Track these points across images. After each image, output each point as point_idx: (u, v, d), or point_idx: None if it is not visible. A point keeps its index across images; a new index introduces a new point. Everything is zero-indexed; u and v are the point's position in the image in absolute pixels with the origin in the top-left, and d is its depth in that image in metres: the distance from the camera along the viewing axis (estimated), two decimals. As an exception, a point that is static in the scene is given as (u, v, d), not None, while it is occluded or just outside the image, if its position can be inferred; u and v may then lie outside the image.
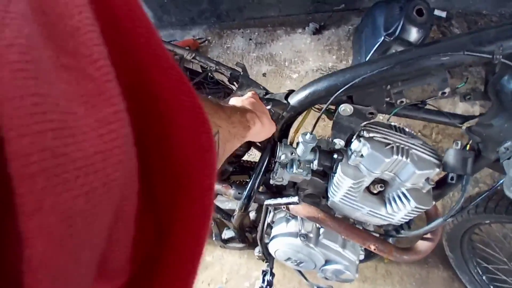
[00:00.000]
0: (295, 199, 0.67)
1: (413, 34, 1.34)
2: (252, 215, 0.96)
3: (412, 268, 1.30)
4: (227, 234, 1.00)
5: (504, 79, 0.52)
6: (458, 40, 0.50)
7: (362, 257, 0.84)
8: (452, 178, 0.62)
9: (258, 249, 0.93)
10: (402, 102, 0.59)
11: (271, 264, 0.98)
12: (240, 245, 0.99)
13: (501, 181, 0.59)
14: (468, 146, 0.62)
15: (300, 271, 0.94)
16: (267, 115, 0.57)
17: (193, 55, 0.83)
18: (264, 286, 0.93)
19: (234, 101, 0.56)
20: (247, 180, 0.87)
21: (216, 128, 0.31)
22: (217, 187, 0.89)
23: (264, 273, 0.97)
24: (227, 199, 0.99)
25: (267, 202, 0.74)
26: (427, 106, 0.64)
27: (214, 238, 1.00)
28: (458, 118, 0.60)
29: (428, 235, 0.75)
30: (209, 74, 0.83)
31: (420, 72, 0.53)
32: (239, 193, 0.85)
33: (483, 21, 1.69)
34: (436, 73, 0.53)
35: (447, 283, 1.27)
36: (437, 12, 1.87)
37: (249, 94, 0.59)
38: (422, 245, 0.74)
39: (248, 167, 1.02)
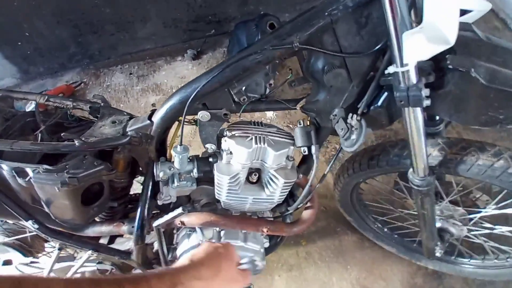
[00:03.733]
0: (180, 210, 0.69)
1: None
2: (156, 245, 0.93)
3: (325, 242, 1.44)
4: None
5: (312, 62, 0.65)
6: (266, 39, 0.62)
7: (267, 244, 0.90)
8: (304, 151, 0.74)
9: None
10: (244, 99, 0.68)
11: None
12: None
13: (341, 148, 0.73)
14: (308, 122, 0.75)
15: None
16: (231, 270, 0.54)
17: (46, 97, 0.79)
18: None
19: (183, 259, 0.51)
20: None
21: None
22: (109, 228, 0.84)
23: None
24: (127, 239, 0.93)
25: (155, 224, 0.74)
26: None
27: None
28: (292, 102, 0.73)
29: (309, 204, 0.86)
30: (68, 112, 0.79)
31: (246, 72, 0.63)
32: (132, 227, 0.82)
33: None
34: (258, 70, 0.64)
35: (359, 245, 1.43)
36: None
37: (204, 245, 0.55)
38: (306, 214, 0.85)
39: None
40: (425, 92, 0.54)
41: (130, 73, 2.00)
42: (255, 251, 0.85)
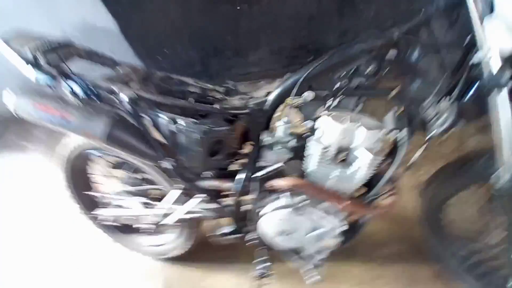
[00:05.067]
0: (281, 163, 0.86)
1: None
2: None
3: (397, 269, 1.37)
4: (225, 229, 1.14)
5: (409, 53, 0.77)
6: (370, 32, 0.78)
7: (345, 227, 0.98)
8: (393, 135, 0.83)
9: (251, 234, 1.06)
10: (345, 83, 0.84)
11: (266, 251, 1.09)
12: (238, 235, 1.12)
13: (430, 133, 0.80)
14: (401, 110, 0.85)
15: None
16: None
17: (195, 80, 1.12)
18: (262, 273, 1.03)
19: None
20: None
21: None
22: (217, 183, 1.06)
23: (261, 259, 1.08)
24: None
25: (258, 174, 0.92)
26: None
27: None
28: (386, 90, 0.84)
29: (391, 192, 0.92)
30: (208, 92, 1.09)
31: (350, 58, 0.80)
32: (236, 184, 1.03)
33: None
34: (361, 57, 0.79)
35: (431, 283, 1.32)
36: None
37: None
38: (387, 200, 0.91)
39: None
40: (509, 73, 0.61)
41: (237, 90, 2.40)
42: (333, 226, 0.94)
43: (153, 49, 2.51)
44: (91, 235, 1.63)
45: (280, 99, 0.93)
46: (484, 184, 0.99)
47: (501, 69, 0.62)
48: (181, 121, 0.93)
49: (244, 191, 1.01)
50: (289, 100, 0.92)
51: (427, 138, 0.82)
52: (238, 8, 2.12)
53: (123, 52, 2.56)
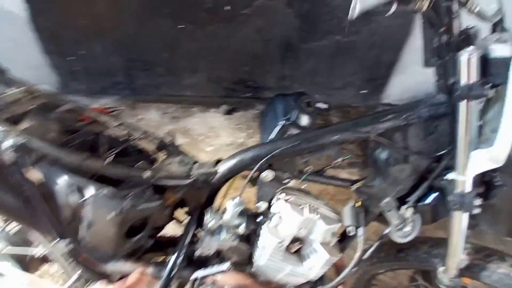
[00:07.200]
0: (225, 266, 0.68)
1: (305, 120, 1.68)
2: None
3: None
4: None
5: (377, 152, 0.72)
6: (345, 124, 0.70)
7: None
8: (349, 232, 0.76)
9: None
10: (307, 170, 0.73)
11: None
12: None
13: (387, 231, 0.76)
14: (359, 203, 0.79)
15: None
16: None
17: (120, 122, 0.84)
18: None
19: None
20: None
21: None
22: (133, 268, 0.80)
23: None
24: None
25: (195, 275, 0.72)
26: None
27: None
28: (349, 181, 0.78)
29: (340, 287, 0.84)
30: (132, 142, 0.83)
31: (320, 147, 0.70)
32: (159, 271, 0.79)
33: (354, 111, 2.26)
34: (330, 147, 0.70)
35: None
36: (319, 105, 2.41)
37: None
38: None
39: (164, 242, 0.94)
40: (477, 201, 0.61)
41: (165, 113, 2.11)
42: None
43: (66, 46, 1.99)
44: None
45: (233, 173, 0.76)
46: (419, 269, 1.02)
47: (469, 194, 0.61)
48: (91, 189, 0.66)
49: (170, 283, 0.78)
50: (240, 177, 0.77)
51: (380, 236, 0.78)
52: (183, 26, 1.88)
53: (26, 46, 1.96)
